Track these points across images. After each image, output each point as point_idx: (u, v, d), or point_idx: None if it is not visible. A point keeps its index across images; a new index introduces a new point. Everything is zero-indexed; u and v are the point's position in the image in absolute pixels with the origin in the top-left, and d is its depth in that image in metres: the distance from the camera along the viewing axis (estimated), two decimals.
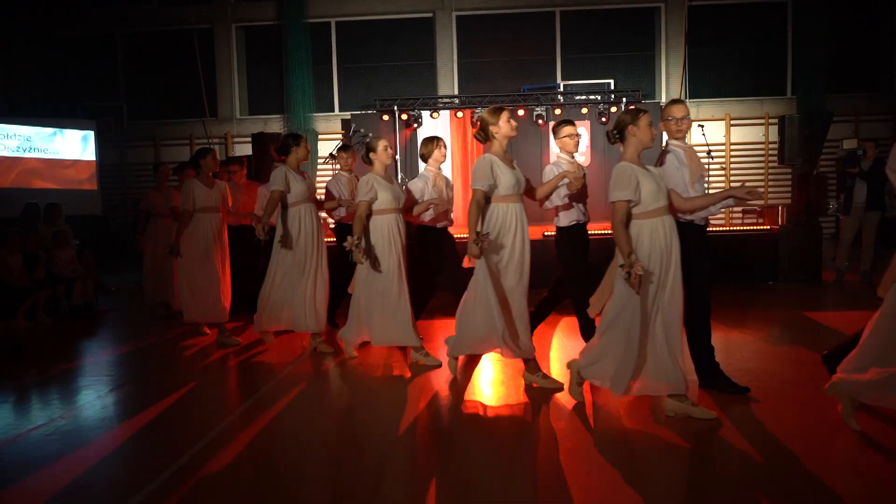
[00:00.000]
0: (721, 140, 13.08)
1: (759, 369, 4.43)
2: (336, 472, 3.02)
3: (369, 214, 4.80)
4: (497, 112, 4.11)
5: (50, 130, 12.44)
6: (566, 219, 4.67)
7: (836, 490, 2.68)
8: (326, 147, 13.16)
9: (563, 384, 4.12)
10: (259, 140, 9.53)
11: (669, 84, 13.29)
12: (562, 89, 12.69)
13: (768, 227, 8.91)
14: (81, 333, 6.65)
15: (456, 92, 13.39)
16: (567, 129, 4.78)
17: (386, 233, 4.79)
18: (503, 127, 4.09)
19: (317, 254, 5.28)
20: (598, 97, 12.22)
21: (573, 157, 4.82)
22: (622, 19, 13.47)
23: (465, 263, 4.13)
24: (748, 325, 5.85)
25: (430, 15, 13.63)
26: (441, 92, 13.38)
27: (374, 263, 4.79)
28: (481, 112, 4.42)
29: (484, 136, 4.16)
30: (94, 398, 4.32)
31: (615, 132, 3.70)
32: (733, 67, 13.25)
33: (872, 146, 8.15)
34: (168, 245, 5.75)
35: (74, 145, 12.73)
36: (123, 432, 3.75)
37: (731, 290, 7.54)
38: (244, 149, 12.78)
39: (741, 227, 9.55)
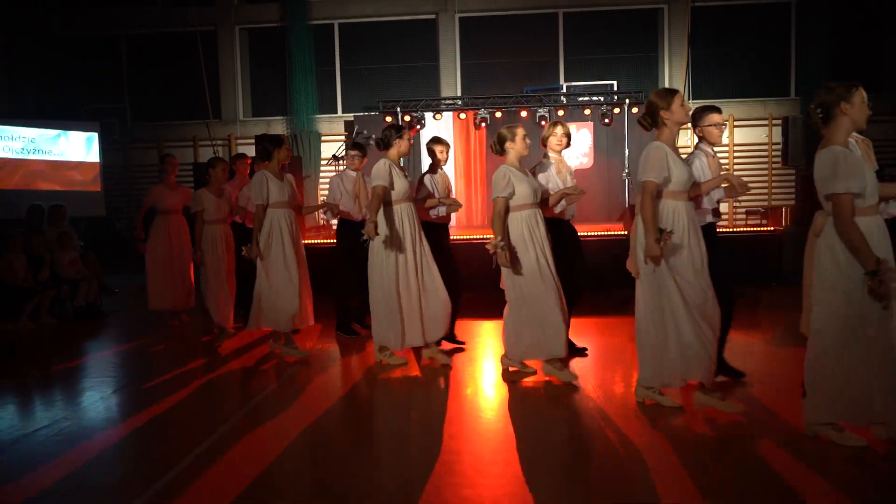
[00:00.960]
0: (724, 141, 13.05)
1: (761, 371, 4.42)
2: (340, 473, 3.02)
3: (507, 210, 4.31)
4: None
5: (54, 132, 12.48)
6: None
7: (838, 489, 2.67)
8: (330, 149, 13.18)
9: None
10: (262, 140, 9.53)
11: (672, 85, 13.27)
12: (565, 90, 12.68)
13: (772, 229, 8.89)
14: (85, 334, 6.67)
15: (459, 93, 13.39)
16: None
17: (525, 229, 4.30)
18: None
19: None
20: (601, 98, 12.20)
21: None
22: (625, 20, 13.46)
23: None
24: (751, 326, 5.84)
25: (433, 16, 13.64)
26: (444, 93, 13.38)
27: (515, 263, 4.26)
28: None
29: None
30: (97, 399, 4.33)
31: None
32: (736, 68, 13.22)
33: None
34: (196, 248, 5.58)
35: (78, 147, 12.76)
36: (127, 433, 3.76)
37: (735, 291, 7.51)
38: (248, 150, 12.77)
39: (745, 229, 9.54)
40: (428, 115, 12.37)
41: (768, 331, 5.68)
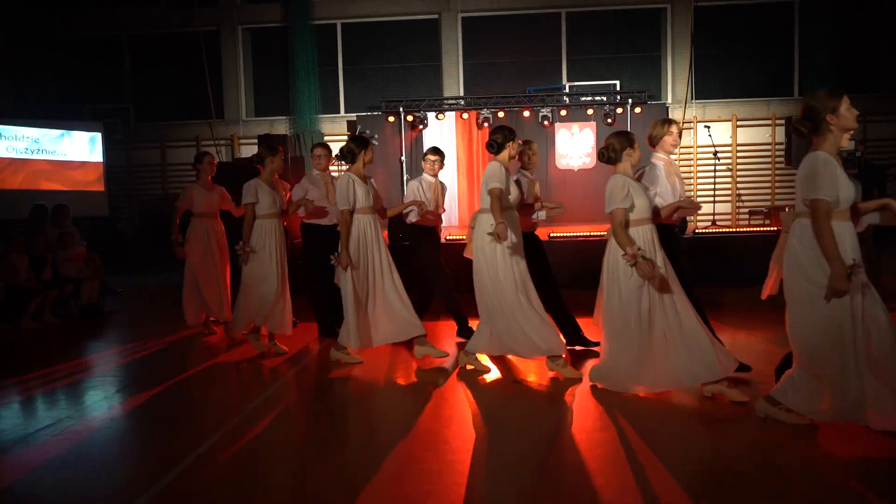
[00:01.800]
0: (727, 141, 13.04)
1: (765, 371, 4.40)
2: (344, 473, 3.02)
3: (627, 222, 3.89)
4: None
5: (57, 132, 12.51)
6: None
7: (841, 488, 2.67)
8: (333, 148, 13.17)
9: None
10: (265, 142, 9.55)
11: (675, 85, 13.26)
12: (567, 90, 12.67)
13: (775, 229, 8.87)
14: (88, 334, 6.68)
15: (461, 93, 13.40)
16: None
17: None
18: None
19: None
20: (604, 98, 12.19)
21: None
22: (628, 20, 13.45)
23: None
24: (755, 326, 5.83)
25: (435, 16, 13.64)
26: (447, 93, 13.38)
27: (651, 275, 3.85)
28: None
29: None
30: (100, 398, 4.34)
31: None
32: (739, 68, 13.20)
33: (862, 148, 8.31)
34: (245, 243, 5.19)
35: (82, 147, 12.79)
36: (130, 432, 3.77)
37: (738, 291, 7.52)
38: (250, 150, 12.81)
39: (748, 229, 9.52)
40: (430, 115, 12.37)
41: (772, 330, 5.67)
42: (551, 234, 8.48)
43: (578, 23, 13.57)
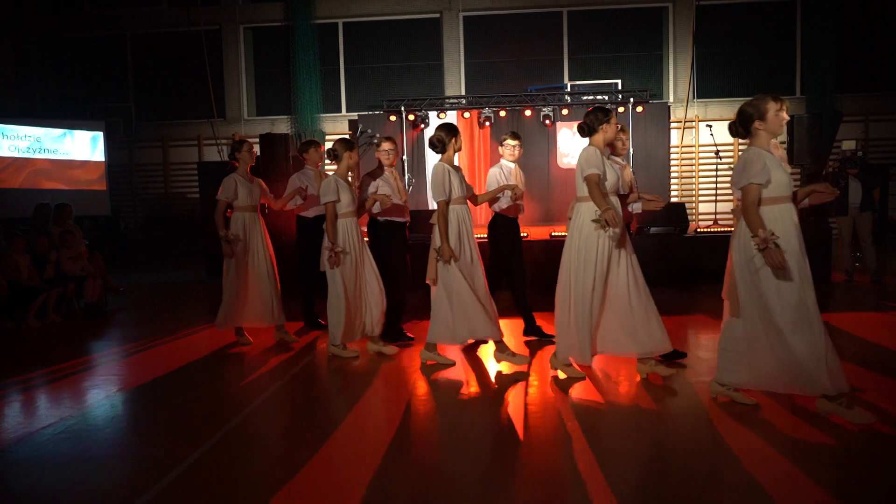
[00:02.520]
0: (729, 140, 13.02)
1: None
2: (348, 473, 3.03)
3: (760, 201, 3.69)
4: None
5: (59, 131, 12.53)
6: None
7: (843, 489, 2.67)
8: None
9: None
10: (267, 141, 9.56)
11: (677, 84, 13.26)
12: (569, 89, 12.66)
13: None
14: (91, 333, 6.69)
15: (463, 92, 13.40)
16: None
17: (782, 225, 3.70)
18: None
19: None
20: (606, 97, 12.19)
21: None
22: (630, 19, 13.44)
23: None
24: None
25: (437, 15, 13.65)
26: (448, 92, 13.39)
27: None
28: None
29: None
30: (103, 397, 4.35)
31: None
32: (742, 67, 13.20)
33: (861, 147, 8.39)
34: (333, 243, 4.93)
35: (84, 146, 12.81)
36: (132, 431, 3.78)
37: None
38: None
39: None
40: (432, 114, 12.38)
41: None
42: (552, 234, 8.48)
43: (580, 22, 13.57)
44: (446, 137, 4.69)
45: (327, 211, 5.00)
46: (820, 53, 12.63)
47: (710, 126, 11.59)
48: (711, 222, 10.98)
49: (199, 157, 13.91)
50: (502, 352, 4.74)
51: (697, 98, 13.24)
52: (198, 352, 5.68)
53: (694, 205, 13.12)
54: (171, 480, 2.96)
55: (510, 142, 5.35)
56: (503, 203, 5.31)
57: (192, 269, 11.54)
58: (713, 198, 11.96)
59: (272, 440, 3.51)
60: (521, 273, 5.46)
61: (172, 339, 6.17)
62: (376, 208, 5.27)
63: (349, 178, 5.17)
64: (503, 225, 5.47)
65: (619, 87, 12.49)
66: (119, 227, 13.62)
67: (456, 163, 4.83)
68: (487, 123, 12.22)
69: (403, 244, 5.51)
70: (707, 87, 13.33)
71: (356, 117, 13.30)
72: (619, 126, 4.59)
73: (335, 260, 4.92)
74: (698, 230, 8.77)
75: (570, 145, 12.41)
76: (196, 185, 12.14)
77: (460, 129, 13.35)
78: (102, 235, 12.24)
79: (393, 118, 12.37)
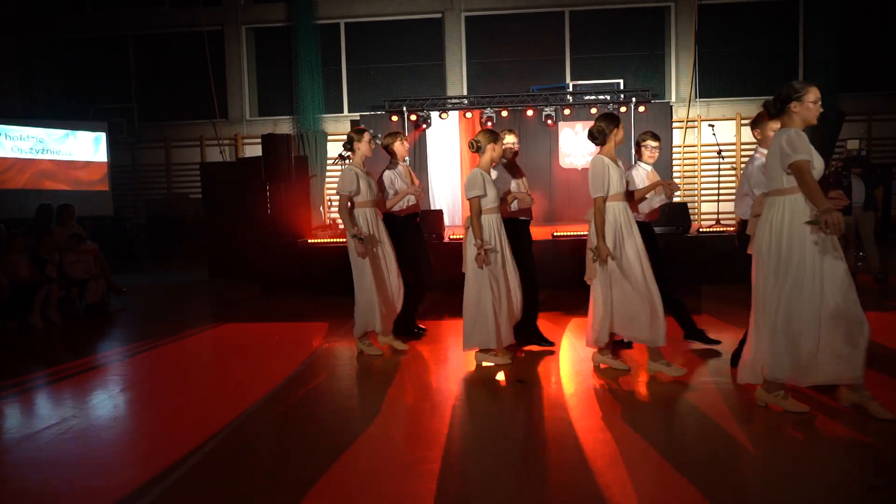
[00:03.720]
0: (732, 140, 13.01)
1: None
2: (345, 473, 3.03)
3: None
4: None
5: (62, 132, 12.55)
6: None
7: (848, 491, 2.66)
8: (336, 148, 13.19)
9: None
10: (269, 141, 9.57)
11: (679, 84, 13.24)
12: (571, 89, 12.65)
13: None
14: (93, 333, 6.70)
15: (465, 92, 13.40)
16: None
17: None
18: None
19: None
20: (608, 97, 12.17)
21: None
22: (632, 19, 13.43)
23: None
24: None
25: (439, 16, 13.64)
26: (450, 92, 13.39)
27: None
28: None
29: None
30: (105, 398, 4.35)
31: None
32: (744, 67, 13.18)
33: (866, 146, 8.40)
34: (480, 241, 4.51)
35: (86, 147, 12.83)
36: (135, 432, 3.78)
37: (743, 290, 7.49)
38: (254, 150, 12.84)
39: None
40: (434, 115, 12.38)
41: None
42: (555, 234, 8.47)
43: (582, 21, 13.55)
44: (607, 128, 4.32)
45: (472, 206, 4.59)
46: (823, 52, 12.60)
47: (713, 126, 11.58)
48: (714, 222, 10.96)
49: (201, 157, 13.92)
50: (656, 360, 4.38)
51: (699, 98, 13.23)
52: (200, 352, 5.68)
53: (696, 204, 13.11)
54: (174, 481, 2.96)
55: (651, 143, 4.93)
56: (655, 203, 4.79)
57: (194, 269, 11.55)
58: (715, 197, 11.95)
59: (275, 441, 3.51)
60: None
61: (175, 340, 6.18)
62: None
63: (490, 171, 4.79)
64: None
65: (621, 87, 12.48)
66: (125, 227, 13.64)
67: (615, 156, 4.43)
68: (489, 123, 12.20)
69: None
70: (709, 86, 13.31)
71: (358, 118, 13.30)
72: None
73: (484, 259, 4.51)
74: (700, 230, 8.75)
75: (571, 145, 12.40)
76: (198, 186, 12.16)
77: (461, 129, 13.52)
78: (105, 236, 12.25)
79: (395, 118, 12.36)
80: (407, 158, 5.67)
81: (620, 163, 4.42)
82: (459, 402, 4.02)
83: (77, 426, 3.77)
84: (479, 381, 4.45)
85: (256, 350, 5.57)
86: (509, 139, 5.05)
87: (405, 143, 5.53)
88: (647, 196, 4.74)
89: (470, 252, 4.59)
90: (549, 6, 13.43)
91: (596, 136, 4.36)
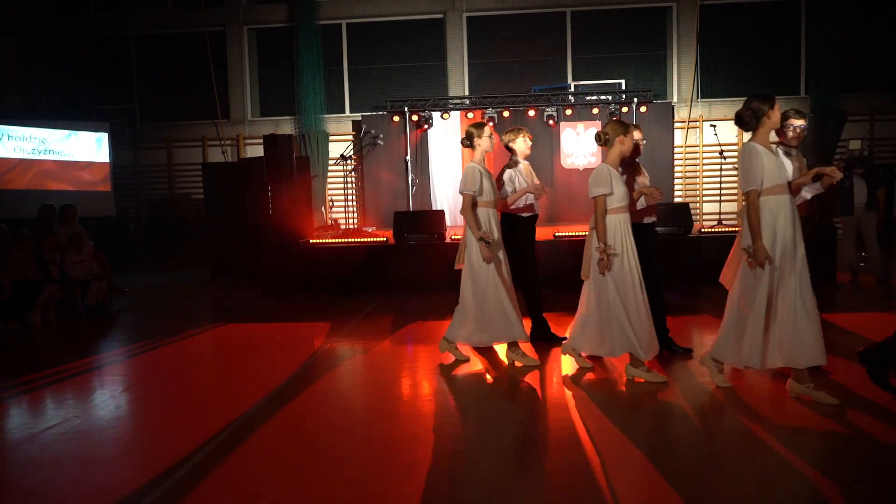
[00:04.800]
0: (733, 140, 12.99)
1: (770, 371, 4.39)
2: (345, 473, 3.03)
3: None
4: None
5: (64, 132, 12.57)
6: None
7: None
8: (337, 148, 13.21)
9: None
10: (271, 141, 9.58)
11: (681, 84, 13.22)
12: (572, 89, 12.66)
13: None
14: (95, 334, 6.71)
15: (467, 93, 13.40)
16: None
17: None
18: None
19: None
20: (609, 97, 12.18)
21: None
22: (633, 19, 13.42)
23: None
24: None
25: (440, 16, 13.64)
26: (452, 93, 13.39)
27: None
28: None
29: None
30: (107, 398, 4.36)
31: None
32: (746, 67, 13.16)
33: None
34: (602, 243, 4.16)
35: (88, 147, 12.85)
36: (137, 432, 3.78)
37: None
38: (256, 150, 12.85)
39: None
40: (435, 115, 12.38)
41: None
42: (556, 234, 8.47)
43: (584, 22, 13.55)
44: (764, 106, 3.74)
45: (597, 205, 4.16)
46: (824, 52, 12.59)
47: (714, 126, 11.56)
48: (716, 222, 10.95)
49: (203, 158, 13.93)
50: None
51: (701, 98, 13.21)
52: (202, 352, 5.69)
53: (698, 205, 13.10)
54: (176, 481, 2.96)
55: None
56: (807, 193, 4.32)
57: (195, 269, 11.57)
58: (717, 198, 11.94)
59: (276, 441, 3.52)
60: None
61: (176, 340, 6.18)
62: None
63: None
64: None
65: (623, 87, 12.48)
66: (129, 228, 13.65)
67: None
68: (491, 124, 12.21)
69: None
70: (711, 86, 13.30)
71: (360, 118, 13.32)
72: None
73: (607, 264, 4.11)
74: (702, 230, 8.75)
75: (573, 145, 12.40)
76: (200, 186, 12.18)
77: (463, 129, 13.47)
78: (107, 236, 12.27)
79: (396, 119, 12.38)
80: (523, 161, 5.28)
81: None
82: (460, 402, 4.02)
83: (79, 426, 3.77)
84: (479, 382, 4.45)
85: (258, 350, 5.58)
86: (636, 135, 4.65)
87: (528, 139, 5.22)
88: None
89: (595, 256, 4.18)
90: (550, 6, 13.43)
91: (746, 122, 3.81)
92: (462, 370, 4.74)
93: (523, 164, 5.23)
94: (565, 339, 5.02)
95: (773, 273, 3.64)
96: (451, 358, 4.98)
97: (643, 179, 4.69)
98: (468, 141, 4.82)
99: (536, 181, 5.18)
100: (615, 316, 4.14)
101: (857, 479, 2.79)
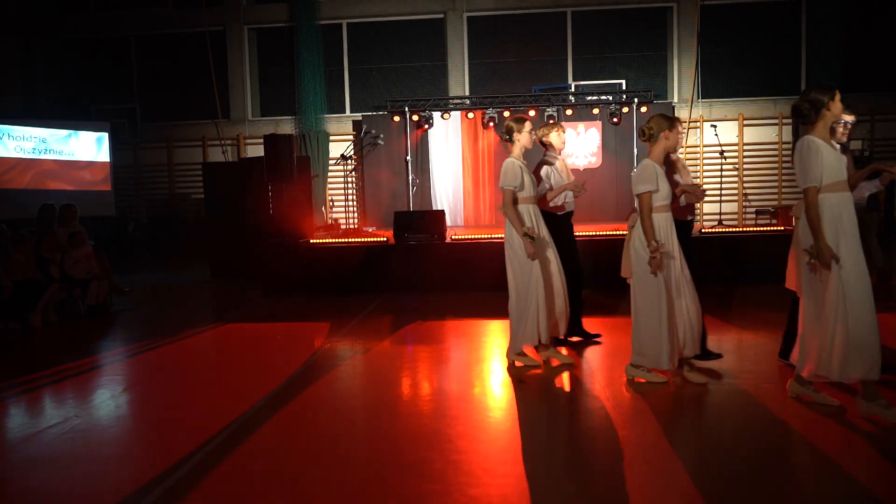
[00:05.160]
0: (734, 140, 13.00)
1: (770, 371, 4.39)
2: (346, 473, 3.03)
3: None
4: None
5: (65, 132, 12.57)
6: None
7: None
8: (338, 148, 13.21)
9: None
10: (271, 141, 9.57)
11: (682, 84, 13.22)
12: (573, 90, 12.66)
13: (782, 228, 8.83)
14: (95, 333, 6.71)
15: (467, 93, 13.40)
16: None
17: None
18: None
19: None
20: (610, 97, 12.18)
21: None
22: (634, 19, 13.42)
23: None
24: (761, 326, 5.80)
25: (441, 16, 13.64)
26: (452, 93, 13.38)
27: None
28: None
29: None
30: (107, 397, 4.35)
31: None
32: (746, 67, 13.16)
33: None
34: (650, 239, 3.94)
35: (89, 147, 12.85)
36: (137, 431, 3.78)
37: (745, 291, 7.49)
38: (256, 150, 12.85)
39: (755, 229, 9.48)
40: (436, 115, 12.39)
41: (778, 330, 5.63)
42: None
43: (584, 22, 13.54)
44: (824, 97, 3.51)
45: (642, 203, 4.01)
46: (824, 52, 12.59)
47: (715, 126, 11.57)
48: (716, 223, 10.95)
49: (203, 157, 13.93)
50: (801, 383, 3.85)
51: (702, 98, 13.21)
52: (202, 352, 5.69)
53: (698, 205, 13.10)
54: (176, 480, 2.96)
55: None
56: (867, 190, 4.37)
57: (196, 269, 11.56)
58: (718, 198, 11.94)
59: (277, 441, 3.51)
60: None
61: (177, 340, 6.18)
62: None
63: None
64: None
65: (624, 88, 12.47)
66: (127, 228, 13.65)
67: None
68: (491, 124, 12.22)
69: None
70: (711, 87, 13.30)
71: (360, 118, 13.32)
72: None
73: (659, 263, 3.95)
74: (703, 230, 8.74)
75: (574, 146, 12.39)
76: (200, 186, 12.17)
77: (464, 129, 13.49)
78: (108, 236, 12.27)
79: (397, 119, 12.38)
80: (559, 156, 5.09)
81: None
82: (461, 402, 4.02)
83: (79, 426, 3.77)
84: (479, 382, 4.45)
85: (258, 350, 5.57)
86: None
87: (562, 134, 5.08)
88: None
89: (644, 255, 4.01)
90: (551, 6, 13.42)
91: (805, 115, 3.57)
92: (464, 370, 4.74)
93: (560, 161, 5.05)
94: (598, 335, 5.23)
95: (841, 274, 3.33)
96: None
97: (686, 177, 4.56)
98: (507, 136, 4.65)
99: (573, 177, 5.03)
100: (662, 323, 3.99)
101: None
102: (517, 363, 4.69)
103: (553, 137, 5.03)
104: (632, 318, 4.16)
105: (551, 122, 5.15)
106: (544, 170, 4.96)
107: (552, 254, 4.58)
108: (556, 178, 4.94)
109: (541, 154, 5.10)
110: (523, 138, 4.62)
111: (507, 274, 4.55)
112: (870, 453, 3.05)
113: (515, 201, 4.50)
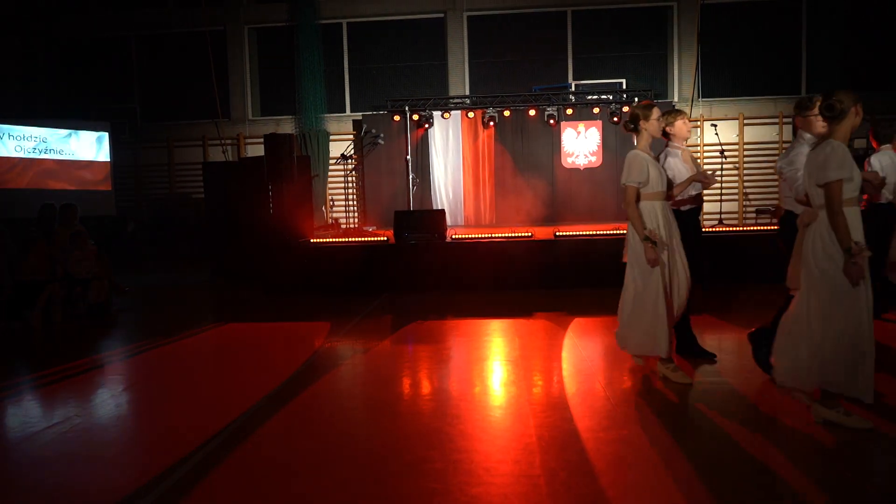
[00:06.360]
0: (734, 139, 12.99)
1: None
2: (347, 473, 3.03)
3: None
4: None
5: (65, 132, 12.58)
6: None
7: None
8: (338, 148, 13.21)
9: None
10: (271, 141, 9.57)
11: (682, 83, 13.22)
12: (573, 89, 12.65)
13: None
14: (96, 333, 6.71)
15: (467, 92, 13.39)
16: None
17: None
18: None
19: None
20: (610, 97, 12.18)
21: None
22: (634, 18, 13.41)
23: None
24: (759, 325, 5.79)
25: (441, 15, 13.64)
26: (452, 92, 13.38)
27: None
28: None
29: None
30: (108, 397, 4.36)
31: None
32: (746, 66, 13.15)
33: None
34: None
35: (89, 146, 12.85)
36: (137, 431, 3.78)
37: (744, 290, 7.49)
38: (257, 150, 12.85)
39: (754, 228, 9.48)
40: (436, 114, 12.39)
41: None
42: (557, 234, 8.46)
43: (584, 21, 13.54)
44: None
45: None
46: (825, 51, 12.59)
47: (715, 125, 11.57)
48: (717, 222, 10.95)
49: (203, 157, 13.93)
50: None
51: (702, 97, 13.20)
52: (203, 352, 5.69)
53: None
54: (176, 480, 2.96)
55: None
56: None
57: (196, 269, 11.56)
58: (718, 198, 11.94)
59: (278, 440, 3.51)
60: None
61: (177, 339, 6.18)
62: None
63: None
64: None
65: (624, 87, 12.47)
66: (128, 227, 13.65)
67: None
68: (492, 123, 12.22)
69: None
70: (712, 86, 13.29)
71: (360, 117, 13.32)
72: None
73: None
74: (703, 230, 8.73)
75: (574, 145, 12.39)
76: (201, 186, 12.16)
77: (464, 129, 13.49)
78: (108, 235, 12.27)
79: (397, 118, 12.38)
80: (683, 146, 4.62)
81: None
82: (461, 401, 4.02)
83: (79, 425, 3.77)
84: (480, 381, 4.45)
85: (259, 350, 5.57)
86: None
87: (687, 122, 4.57)
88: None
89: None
90: (551, 6, 13.42)
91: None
92: (465, 369, 4.74)
93: (683, 150, 4.54)
94: (714, 355, 4.63)
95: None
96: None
97: (683, 168, 4.40)
98: (632, 125, 4.22)
99: (700, 168, 4.52)
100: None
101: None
102: (667, 374, 4.20)
103: (678, 126, 4.51)
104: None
105: (678, 109, 4.72)
106: (668, 162, 4.46)
107: (681, 264, 4.16)
108: (680, 171, 4.39)
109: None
110: (651, 127, 4.19)
111: (626, 274, 4.24)
112: (870, 453, 3.05)
113: (638, 198, 4.09)
